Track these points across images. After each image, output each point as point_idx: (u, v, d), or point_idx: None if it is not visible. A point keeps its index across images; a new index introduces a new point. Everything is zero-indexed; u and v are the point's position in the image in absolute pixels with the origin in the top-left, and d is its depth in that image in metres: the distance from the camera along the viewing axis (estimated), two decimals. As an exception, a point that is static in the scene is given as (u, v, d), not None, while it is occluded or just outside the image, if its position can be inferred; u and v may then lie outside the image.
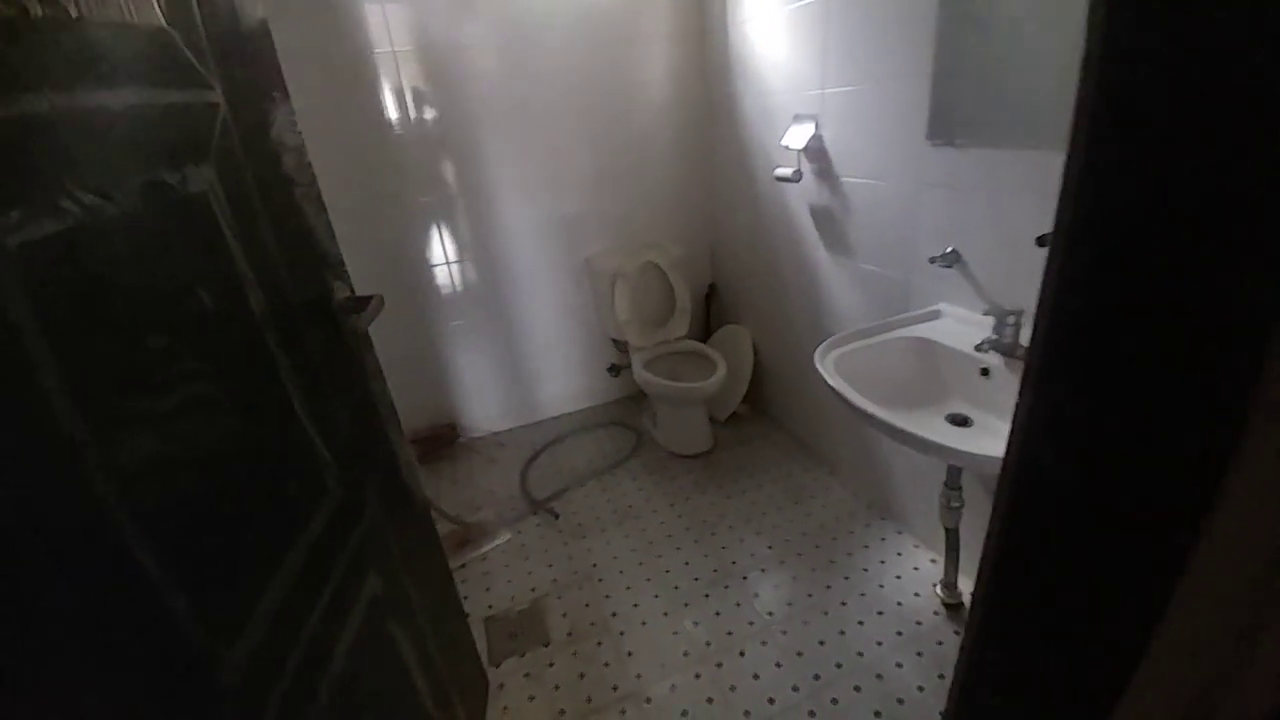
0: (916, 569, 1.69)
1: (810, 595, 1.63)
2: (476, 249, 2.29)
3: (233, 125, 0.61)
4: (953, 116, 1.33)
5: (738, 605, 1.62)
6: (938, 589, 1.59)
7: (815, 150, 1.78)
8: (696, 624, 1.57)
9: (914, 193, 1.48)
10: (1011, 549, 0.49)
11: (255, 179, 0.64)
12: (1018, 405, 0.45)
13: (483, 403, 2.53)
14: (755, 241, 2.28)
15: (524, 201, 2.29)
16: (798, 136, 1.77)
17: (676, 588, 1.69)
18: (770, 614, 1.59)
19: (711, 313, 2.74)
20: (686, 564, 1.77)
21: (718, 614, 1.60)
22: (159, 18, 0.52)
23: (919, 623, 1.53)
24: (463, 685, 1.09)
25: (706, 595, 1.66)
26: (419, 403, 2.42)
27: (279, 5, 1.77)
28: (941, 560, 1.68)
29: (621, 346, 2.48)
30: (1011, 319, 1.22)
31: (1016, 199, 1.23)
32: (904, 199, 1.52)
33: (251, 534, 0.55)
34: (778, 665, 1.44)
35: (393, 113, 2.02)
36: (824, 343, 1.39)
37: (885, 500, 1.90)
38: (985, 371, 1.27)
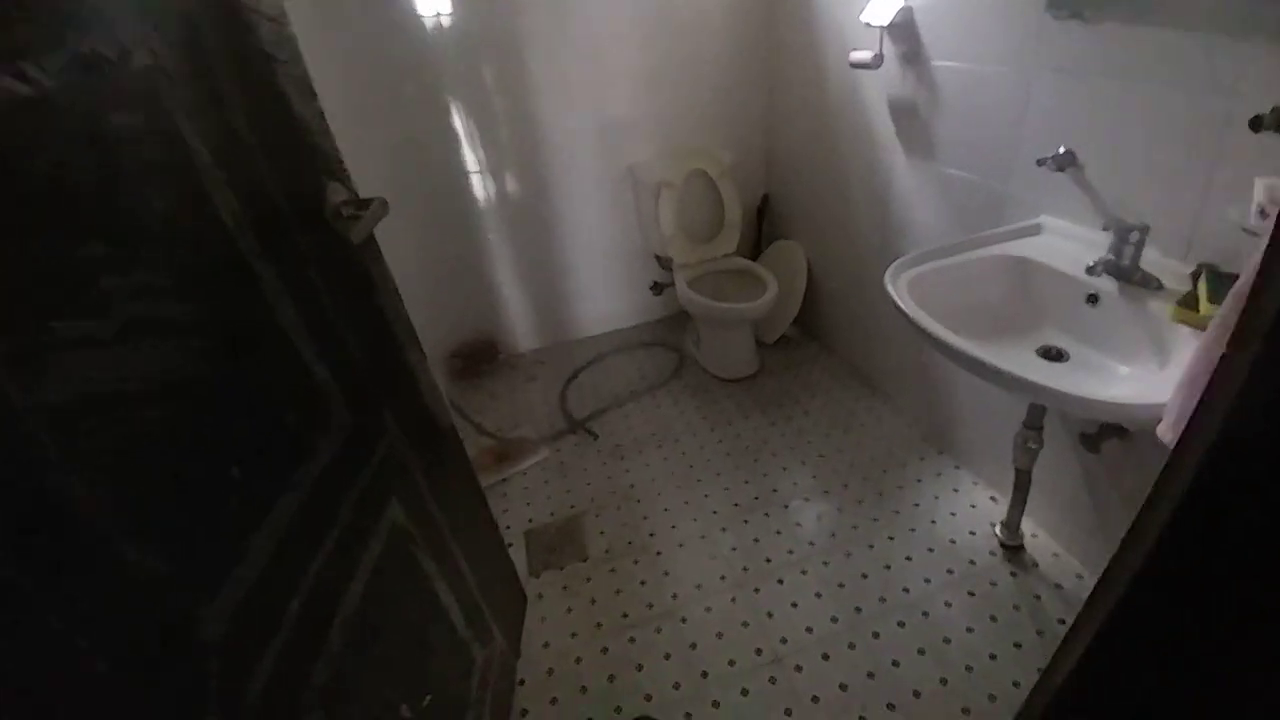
0: (974, 506, 1.59)
1: (856, 527, 1.57)
2: (514, 155, 2.13)
3: None
4: (1092, -27, 1.04)
5: (778, 533, 1.58)
6: (997, 529, 1.49)
7: (903, 27, 1.48)
8: (734, 549, 1.54)
9: (1024, 79, 1.22)
10: (1192, 530, 0.38)
11: (222, 54, 0.53)
12: (1221, 364, 0.32)
13: (523, 319, 2.47)
14: (819, 145, 2.01)
15: (565, 102, 2.08)
16: (882, 10, 1.48)
17: (715, 512, 1.66)
18: (812, 544, 1.54)
19: (764, 226, 2.52)
20: (726, 489, 1.72)
21: (756, 540, 1.56)
22: None
23: (972, 562, 1.45)
24: (498, 602, 1.09)
25: (746, 521, 1.62)
26: (459, 317, 2.38)
27: None
28: (1002, 500, 1.57)
29: (665, 263, 2.33)
30: (1135, 235, 1.01)
31: (1158, 91, 0.98)
32: (1011, 87, 1.25)
33: (234, 474, 0.49)
34: (817, 595, 1.41)
35: (423, 2, 1.81)
36: (896, 262, 1.21)
37: (943, 432, 1.77)
38: (1093, 298, 1.08)
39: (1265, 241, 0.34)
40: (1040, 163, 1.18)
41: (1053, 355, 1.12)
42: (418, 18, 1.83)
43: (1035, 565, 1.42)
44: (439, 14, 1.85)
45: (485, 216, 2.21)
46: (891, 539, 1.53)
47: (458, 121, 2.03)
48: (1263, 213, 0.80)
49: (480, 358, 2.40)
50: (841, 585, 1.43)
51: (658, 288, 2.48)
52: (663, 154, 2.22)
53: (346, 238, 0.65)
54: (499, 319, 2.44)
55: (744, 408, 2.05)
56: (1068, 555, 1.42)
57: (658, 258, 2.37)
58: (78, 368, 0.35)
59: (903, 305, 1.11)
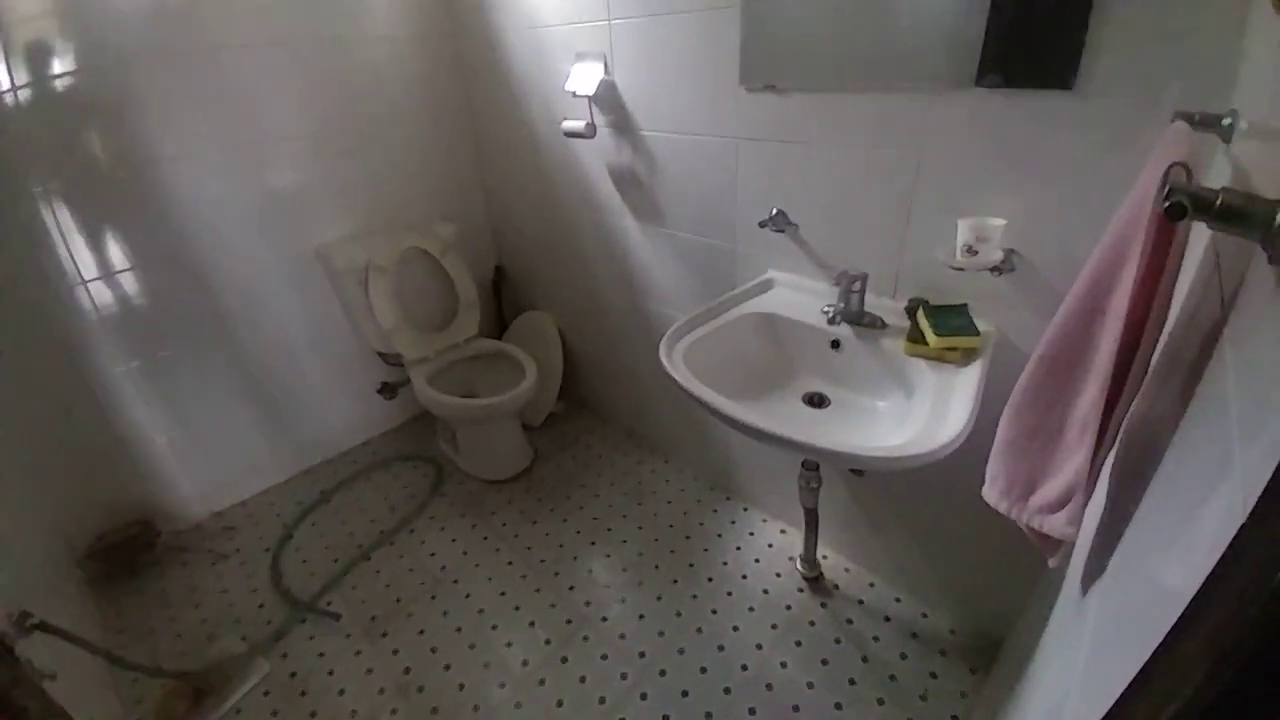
0: (770, 545, 1.62)
1: (679, 614, 1.43)
2: (151, 249, 1.52)
3: None
4: (770, 55, 1.14)
5: (604, 658, 1.34)
6: (798, 564, 1.53)
7: (608, 99, 1.46)
8: (561, 703, 1.24)
9: (731, 147, 1.28)
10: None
11: None
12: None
13: (191, 474, 1.73)
14: (547, 212, 1.90)
15: (217, 175, 1.57)
16: (585, 80, 1.43)
17: (526, 663, 1.33)
18: (642, 654, 1.34)
19: (504, 300, 2.30)
20: (532, 624, 1.41)
21: (583, 679, 1.29)
22: None
23: (788, 607, 1.45)
24: None
25: (564, 660, 1.33)
26: (89, 496, 1.57)
27: None
28: (792, 530, 1.64)
29: (391, 359, 1.91)
30: (856, 284, 1.11)
31: (850, 150, 1.10)
32: (720, 154, 1.31)
33: None
34: (665, 719, 1.21)
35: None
36: (665, 336, 1.13)
37: (727, 478, 1.80)
38: (835, 344, 1.16)
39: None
40: (762, 225, 1.25)
41: (816, 401, 1.17)
42: None
43: (836, 588, 1.49)
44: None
45: (114, 341, 1.50)
46: (715, 612, 1.44)
47: (54, 215, 1.35)
48: (970, 250, 0.92)
49: (129, 549, 1.59)
50: (685, 693, 1.26)
51: (389, 389, 2.03)
52: (362, 231, 1.83)
53: None
54: (153, 484, 1.67)
55: (527, 511, 1.76)
56: (857, 567, 1.53)
57: (382, 355, 1.93)
58: None
59: (683, 382, 1.03)
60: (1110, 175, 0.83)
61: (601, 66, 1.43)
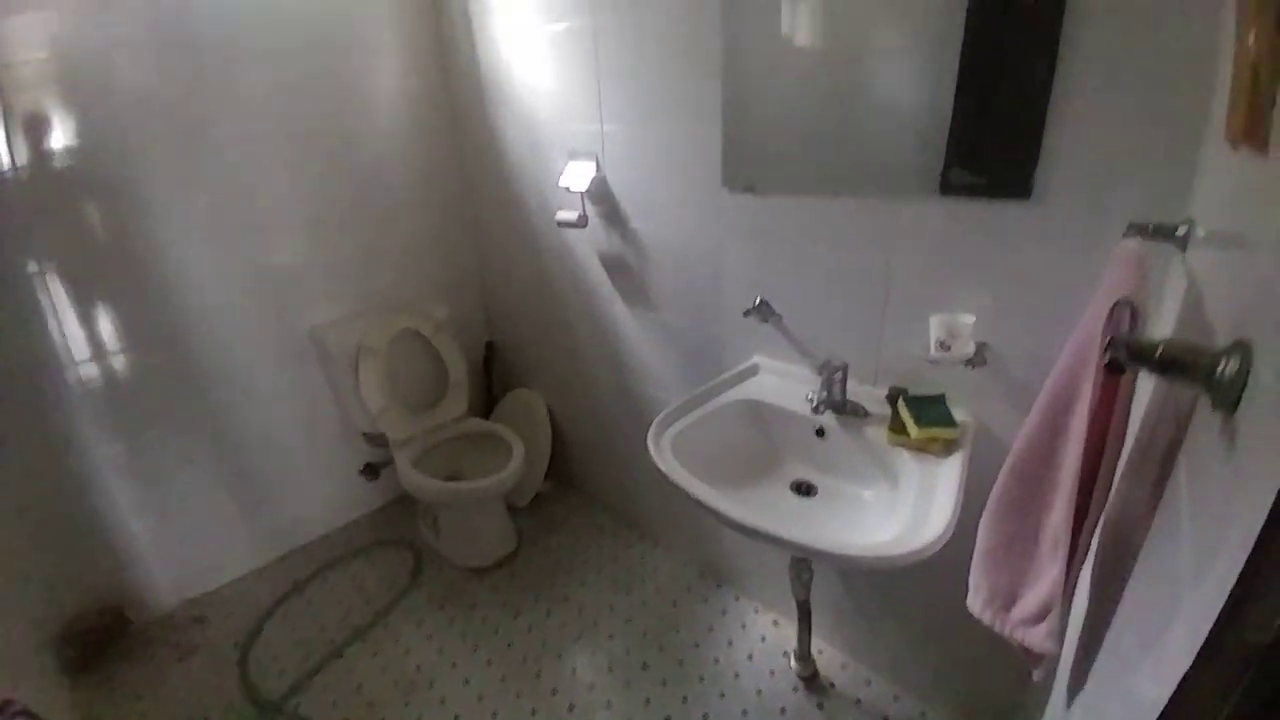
0: (764, 639, 1.55)
1: (669, 719, 1.34)
2: (137, 334, 1.53)
3: None
4: (748, 162, 1.22)
5: (588, 771, 1.24)
6: (791, 661, 1.45)
7: (600, 193, 1.55)
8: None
9: (716, 240, 1.35)
10: None
11: None
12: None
13: (165, 559, 1.66)
14: (539, 293, 1.96)
15: (213, 259, 1.61)
16: (578, 177, 1.52)
17: (504, 778, 1.23)
18: (630, 767, 1.24)
19: (493, 377, 2.32)
20: (512, 734, 1.32)
21: (566, 797, 1.19)
22: None
23: (783, 710, 1.36)
24: None
25: (546, 773, 1.23)
26: (66, 580, 1.51)
27: None
28: (784, 622, 1.57)
29: (376, 440, 1.89)
30: (839, 374, 1.13)
31: (828, 248, 1.16)
32: (706, 247, 1.37)
33: None
34: None
35: None
36: (654, 423, 1.13)
37: (717, 565, 1.74)
38: (820, 432, 1.16)
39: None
40: (746, 314, 1.29)
41: (804, 489, 1.16)
42: None
43: (832, 685, 1.41)
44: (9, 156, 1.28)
45: (93, 425, 1.49)
46: (706, 717, 1.35)
47: (47, 295, 1.38)
48: (943, 345, 0.95)
49: (100, 637, 1.50)
50: (677, 813, 1.16)
51: (371, 470, 2.00)
52: (357, 313, 1.87)
53: None
54: (128, 569, 1.62)
55: (511, 602, 1.69)
56: (854, 663, 1.46)
57: (367, 436, 1.91)
58: None
59: (671, 474, 1.03)
60: (1070, 278, 0.88)
61: (594, 165, 1.52)
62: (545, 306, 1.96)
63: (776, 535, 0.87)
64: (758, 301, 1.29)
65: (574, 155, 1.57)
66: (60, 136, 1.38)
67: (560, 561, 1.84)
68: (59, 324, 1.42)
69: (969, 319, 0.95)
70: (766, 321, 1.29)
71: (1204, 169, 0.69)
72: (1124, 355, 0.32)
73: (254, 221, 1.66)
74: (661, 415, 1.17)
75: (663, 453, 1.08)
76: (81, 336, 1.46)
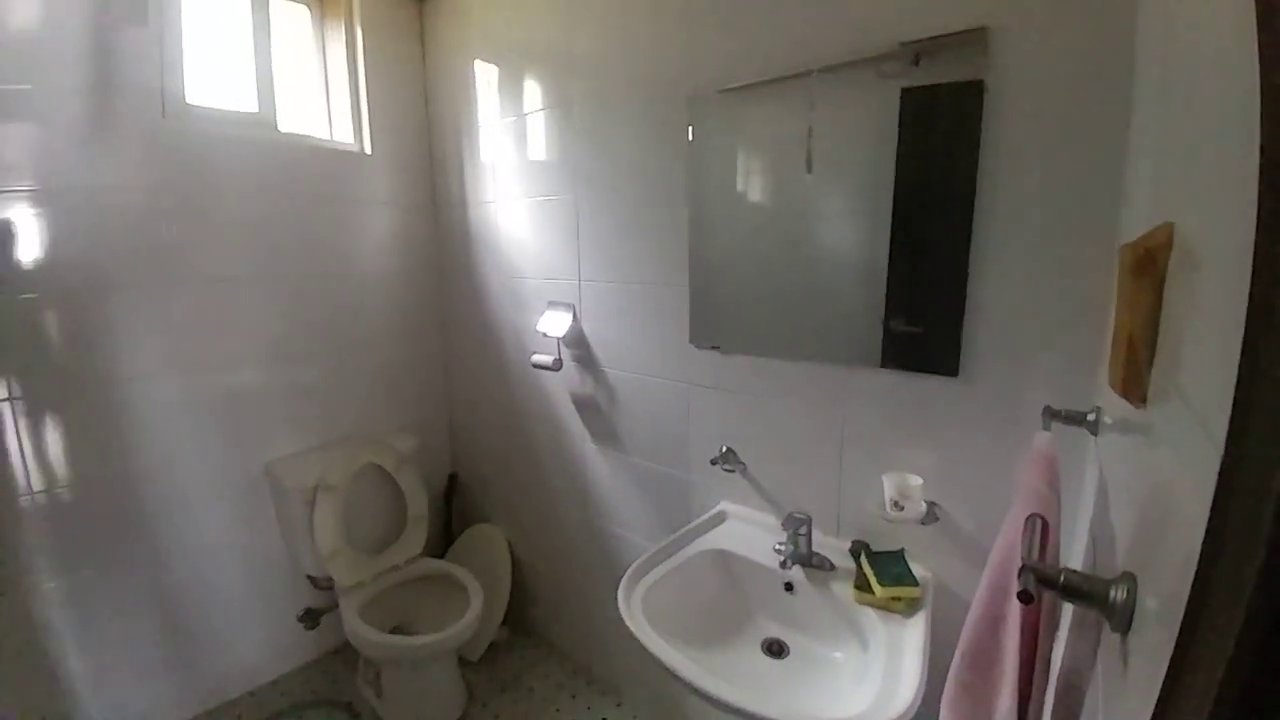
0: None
1: None
2: (89, 466, 1.45)
3: None
4: (712, 323, 1.35)
5: None
6: None
7: (575, 339, 1.65)
8: None
9: (684, 390, 1.44)
10: None
11: None
12: None
13: (105, 705, 1.44)
14: (509, 427, 1.98)
15: (176, 391, 1.57)
16: (555, 324, 1.63)
17: None
18: None
19: (454, 511, 2.24)
20: None
21: None
22: None
23: None
24: None
25: None
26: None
27: None
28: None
29: (321, 584, 1.76)
30: (803, 527, 1.17)
31: (787, 404, 1.25)
32: (674, 396, 1.46)
33: None
34: None
35: None
36: (625, 576, 1.12)
37: (686, 729, 1.61)
38: (789, 587, 1.17)
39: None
40: (713, 461, 1.35)
41: (775, 650, 1.13)
42: None
43: None
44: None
45: (39, 558, 1.39)
46: None
47: (8, 426, 1.31)
48: (897, 505, 1.00)
49: None
50: None
51: (311, 617, 1.83)
52: (317, 446, 1.83)
53: None
54: (69, 710, 1.36)
55: (455, 779, 1.50)
56: None
57: (312, 579, 1.79)
58: None
59: (643, 638, 1.00)
60: (999, 447, 0.98)
61: (571, 314, 1.64)
62: (513, 441, 1.97)
63: (755, 714, 0.84)
64: (724, 450, 1.35)
65: (553, 304, 1.69)
66: (39, 262, 1.36)
67: (514, 726, 1.67)
68: (15, 452, 1.33)
69: (917, 480, 1.03)
70: (733, 470, 1.35)
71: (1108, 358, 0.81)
72: (1032, 584, 0.38)
73: (223, 352, 1.65)
74: (633, 567, 1.16)
75: (634, 613, 1.05)
76: (37, 468, 1.37)
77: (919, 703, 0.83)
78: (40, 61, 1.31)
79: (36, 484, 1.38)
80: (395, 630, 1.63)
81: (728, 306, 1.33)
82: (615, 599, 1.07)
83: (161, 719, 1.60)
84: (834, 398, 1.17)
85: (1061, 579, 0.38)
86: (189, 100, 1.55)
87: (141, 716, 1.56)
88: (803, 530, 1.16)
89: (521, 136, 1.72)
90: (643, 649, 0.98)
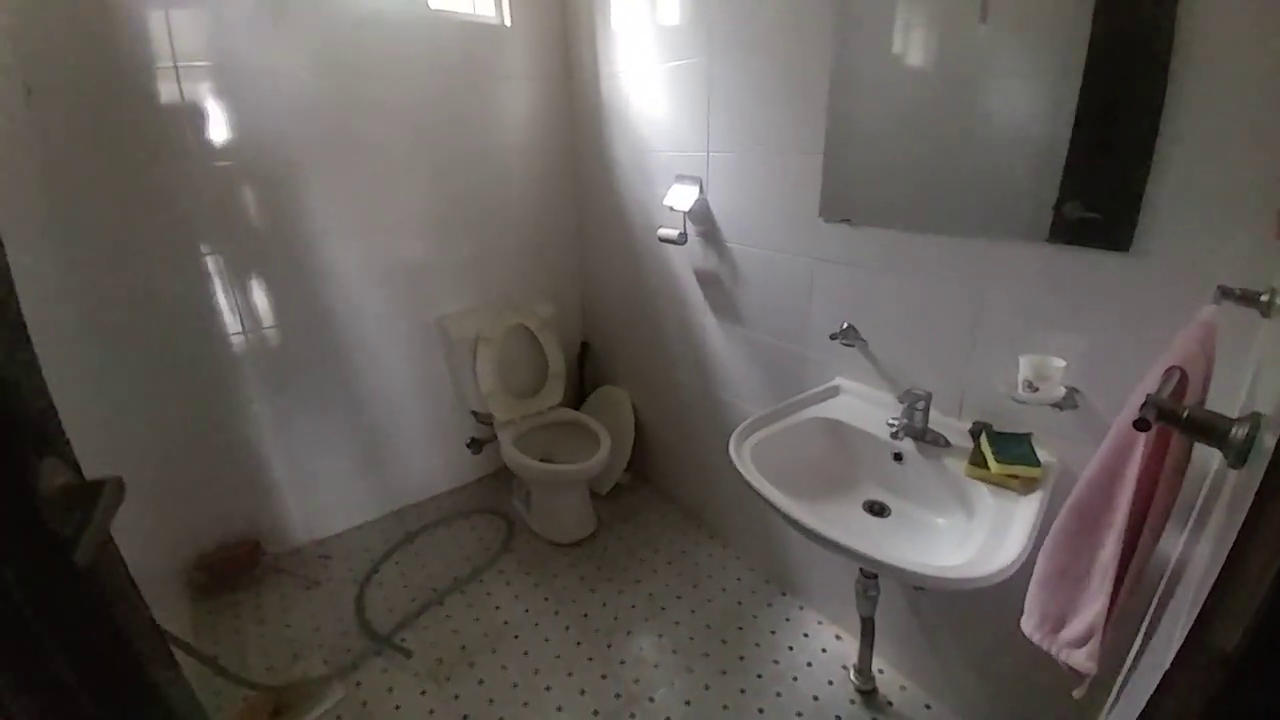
0: (825, 650, 1.60)
1: (726, 708, 1.44)
2: (288, 312, 1.80)
3: None
4: (846, 195, 1.30)
5: (648, 739, 1.36)
6: (851, 674, 1.50)
7: (701, 213, 1.67)
8: (604, 780, 1.27)
9: (807, 265, 1.43)
10: None
11: None
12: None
13: (300, 503, 1.97)
14: (635, 300, 2.12)
15: (357, 251, 1.87)
16: (682, 198, 1.66)
17: (574, 730, 1.38)
18: (686, 742, 1.36)
19: (585, 373, 2.51)
20: (583, 693, 1.47)
21: (627, 757, 1.32)
22: None
23: (838, 718, 1.42)
24: None
25: (611, 733, 1.38)
26: (209, 513, 1.81)
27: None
28: (847, 638, 1.62)
29: (483, 419, 2.13)
30: (920, 402, 1.18)
31: (919, 280, 1.21)
32: (797, 270, 1.46)
33: None
34: (705, 817, 1.21)
35: (173, 142, 1.51)
36: (736, 431, 1.24)
37: (784, 574, 1.81)
38: (898, 456, 1.22)
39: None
40: (832, 337, 1.36)
41: (877, 510, 1.22)
42: (170, 157, 1.52)
43: (890, 704, 1.45)
44: (192, 153, 1.55)
45: (249, 385, 1.79)
46: (762, 712, 1.43)
47: (215, 274, 1.66)
48: (1031, 386, 0.98)
49: (235, 565, 1.81)
50: (727, 791, 1.26)
51: (476, 445, 2.24)
52: (476, 307, 2.11)
53: (67, 553, 0.39)
54: (264, 508, 1.92)
55: (587, 578, 1.85)
56: (914, 686, 1.48)
57: (475, 414, 2.16)
58: None
59: (751, 479, 1.11)
60: (1162, 331, 0.89)
61: (697, 188, 1.65)
62: (639, 312, 2.11)
63: (848, 546, 0.94)
64: (844, 326, 1.36)
65: (680, 178, 1.71)
66: (231, 135, 1.59)
67: (633, 549, 1.98)
68: (225, 299, 1.68)
69: (1059, 363, 0.98)
70: (852, 346, 1.36)
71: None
72: (1152, 415, 0.39)
73: (391, 220, 1.90)
74: (743, 424, 1.27)
75: (743, 458, 1.18)
76: (241, 309, 1.71)
77: (1017, 566, 0.87)
78: None
79: (248, 325, 1.74)
80: (541, 460, 1.95)
81: (866, 177, 1.26)
82: (725, 456, 1.18)
83: (360, 516, 2.12)
84: (975, 274, 1.11)
85: (1186, 413, 0.39)
86: (350, -20, 1.67)
87: (341, 514, 2.07)
88: (920, 405, 1.18)
89: (656, -6, 1.65)
90: (751, 493, 1.10)
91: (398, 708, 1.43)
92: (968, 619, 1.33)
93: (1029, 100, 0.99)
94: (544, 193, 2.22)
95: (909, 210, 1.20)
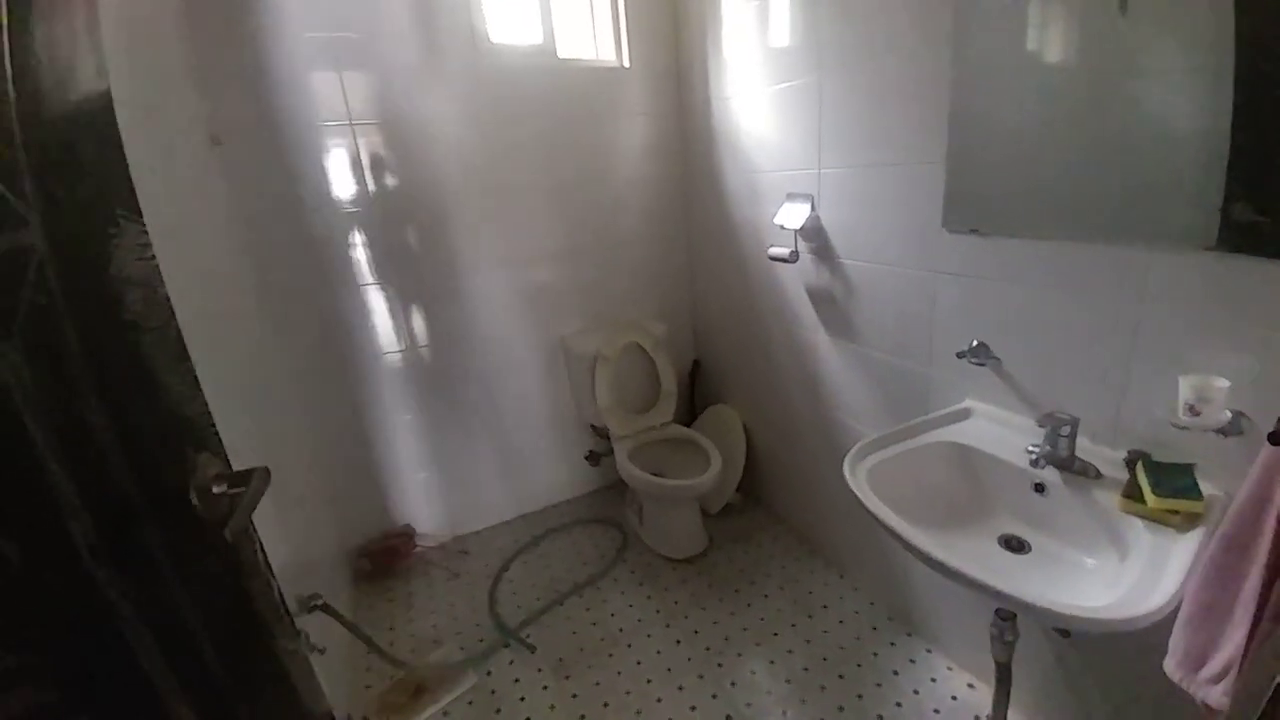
0: (955, 698, 1.47)
1: (841, 744, 1.38)
2: (435, 334, 2.07)
3: (52, 272, 0.40)
4: (972, 204, 1.22)
5: (758, 764, 1.34)
6: (986, 728, 1.36)
7: (813, 230, 1.66)
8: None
9: (929, 280, 1.36)
10: None
11: (81, 338, 0.43)
12: None
13: (442, 504, 2.23)
14: (745, 319, 2.13)
15: (491, 280, 2.09)
16: (793, 216, 1.66)
17: (683, 743, 1.40)
18: (798, 774, 1.32)
19: (696, 391, 2.55)
20: (693, 709, 1.49)
21: (735, 779, 1.32)
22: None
23: (971, 775, 1.29)
24: None
25: (720, 752, 1.38)
26: (368, 509, 2.11)
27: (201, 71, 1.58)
28: (980, 686, 1.47)
29: (600, 433, 2.25)
30: (1066, 428, 1.07)
31: (1059, 294, 1.11)
32: (919, 287, 1.39)
33: None
34: None
35: (342, 189, 1.82)
36: (851, 452, 1.20)
37: (909, 612, 1.69)
38: (1040, 488, 1.10)
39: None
40: (960, 355, 1.28)
41: (1014, 545, 1.11)
42: (338, 202, 1.82)
43: (1035, 769, 1.29)
44: (358, 197, 1.85)
45: (400, 397, 2.07)
46: (883, 754, 1.35)
47: (373, 302, 1.95)
48: (1192, 410, 0.86)
49: (393, 555, 2.09)
50: (842, 832, 1.20)
51: (594, 457, 2.38)
52: (595, 326, 2.26)
53: (217, 529, 0.52)
54: (415, 506, 2.19)
55: (698, 594, 1.87)
56: (1064, 751, 1.31)
57: (593, 428, 2.29)
58: None
59: (866, 501, 1.08)
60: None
61: (809, 206, 1.64)
62: (749, 331, 2.12)
63: (990, 585, 0.85)
64: (974, 344, 1.26)
65: (790, 196, 1.71)
66: (391, 181, 1.85)
67: (745, 570, 1.97)
68: (382, 321, 1.96)
69: (1223, 384, 0.84)
70: (983, 365, 1.26)
71: None
72: None
73: (524, 250, 2.11)
74: (860, 444, 1.22)
75: (858, 480, 1.13)
76: (398, 330, 1.99)
77: (1170, 606, 0.76)
78: (376, 11, 1.72)
79: (402, 344, 2.01)
80: (654, 475, 2.02)
81: (996, 184, 1.18)
82: (841, 478, 1.14)
83: (493, 517, 2.33)
84: (1127, 285, 0.99)
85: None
86: (492, 39, 1.91)
87: (479, 515, 2.30)
88: (1064, 431, 1.07)
89: (764, 20, 1.69)
90: (867, 517, 1.07)
91: (522, 699, 1.55)
92: (1109, 665, 1.15)
93: (1179, 93, 0.88)
94: (657, 218, 2.32)
95: (1049, 218, 1.10)
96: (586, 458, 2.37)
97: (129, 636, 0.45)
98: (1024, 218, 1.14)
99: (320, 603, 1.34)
